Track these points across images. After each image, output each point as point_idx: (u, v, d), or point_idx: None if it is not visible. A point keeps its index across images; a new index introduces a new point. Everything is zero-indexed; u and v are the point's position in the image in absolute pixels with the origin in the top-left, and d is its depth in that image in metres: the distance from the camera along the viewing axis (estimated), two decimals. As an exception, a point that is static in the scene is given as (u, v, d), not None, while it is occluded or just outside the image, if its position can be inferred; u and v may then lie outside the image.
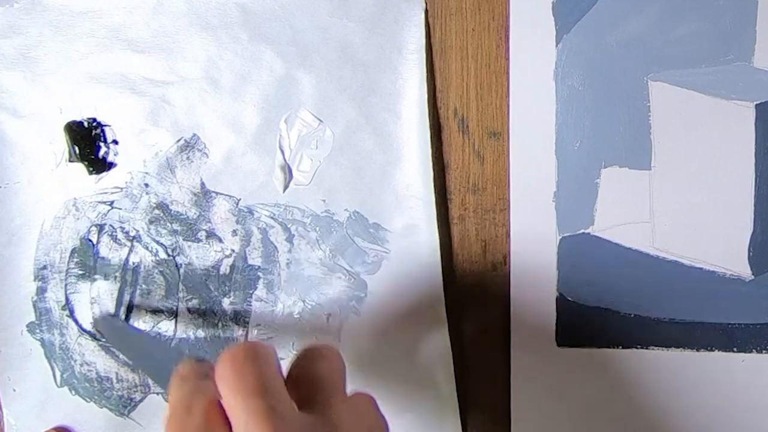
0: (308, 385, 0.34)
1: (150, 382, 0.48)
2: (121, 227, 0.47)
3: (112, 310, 0.47)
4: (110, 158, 0.47)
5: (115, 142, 0.47)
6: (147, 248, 0.47)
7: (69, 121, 0.47)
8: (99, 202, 0.47)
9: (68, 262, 0.48)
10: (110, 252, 0.47)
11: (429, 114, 0.44)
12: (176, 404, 0.32)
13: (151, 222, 0.47)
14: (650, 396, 0.44)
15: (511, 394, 0.45)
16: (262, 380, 0.31)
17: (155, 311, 0.47)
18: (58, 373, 0.49)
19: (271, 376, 0.32)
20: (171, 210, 0.47)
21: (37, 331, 0.49)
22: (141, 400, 0.49)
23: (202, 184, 0.46)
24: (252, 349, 0.32)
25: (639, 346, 0.44)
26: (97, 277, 0.48)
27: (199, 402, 0.32)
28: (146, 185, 0.47)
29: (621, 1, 0.41)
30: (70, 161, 0.47)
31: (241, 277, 0.47)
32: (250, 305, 0.47)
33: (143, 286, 0.47)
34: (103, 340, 0.48)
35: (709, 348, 0.43)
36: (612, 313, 0.44)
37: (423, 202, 0.44)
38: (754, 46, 0.41)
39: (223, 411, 0.31)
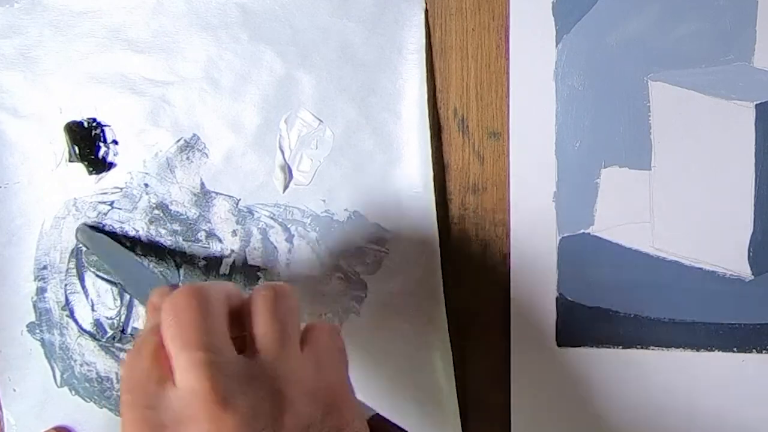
0: (257, 325, 0.33)
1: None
2: (121, 227, 0.47)
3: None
4: (110, 158, 0.47)
5: (115, 142, 0.47)
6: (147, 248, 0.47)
7: (69, 121, 0.47)
8: (99, 202, 0.47)
9: (68, 262, 0.48)
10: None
11: (429, 114, 0.44)
12: (137, 340, 0.33)
13: (151, 222, 0.47)
14: (650, 396, 0.44)
15: (511, 394, 0.45)
16: (202, 330, 0.31)
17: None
18: (58, 373, 0.49)
19: (212, 324, 0.32)
20: (171, 210, 0.47)
21: (37, 331, 0.49)
22: (141, 400, 0.49)
23: (202, 184, 0.46)
24: (193, 295, 0.32)
25: (639, 346, 0.44)
26: (97, 276, 0.48)
27: (150, 344, 0.32)
28: (146, 185, 0.47)
29: (621, 1, 0.41)
30: (70, 161, 0.47)
31: (241, 277, 0.47)
32: (250, 305, 0.47)
33: (143, 286, 0.47)
34: (88, 249, 0.47)
35: (709, 348, 0.43)
36: (612, 313, 0.44)
37: (423, 202, 0.44)
38: (754, 46, 0.41)
39: None
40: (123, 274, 0.45)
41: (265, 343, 0.33)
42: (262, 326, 0.33)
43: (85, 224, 0.47)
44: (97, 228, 0.47)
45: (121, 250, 0.46)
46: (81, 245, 0.47)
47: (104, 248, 0.46)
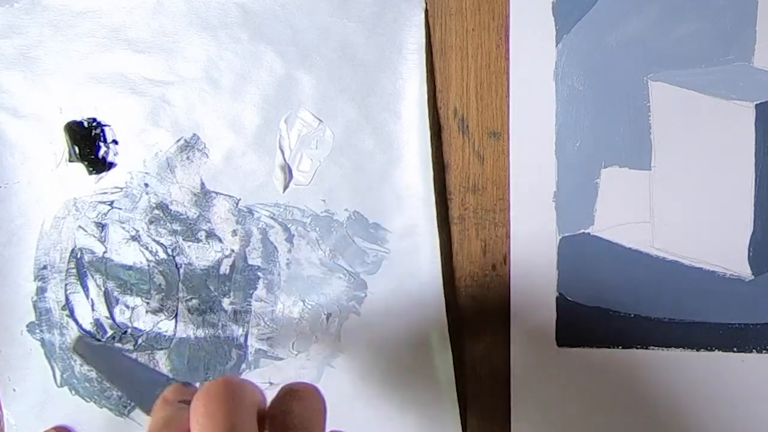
0: (283, 425, 0.34)
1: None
2: (121, 227, 0.47)
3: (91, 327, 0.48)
4: (110, 158, 0.47)
5: (115, 142, 0.47)
6: (147, 248, 0.47)
7: (69, 121, 0.47)
8: (99, 202, 0.47)
9: (68, 262, 0.48)
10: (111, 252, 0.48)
11: (429, 114, 0.44)
12: (153, 428, 0.34)
13: (151, 222, 0.47)
14: (650, 396, 0.44)
15: (511, 394, 0.45)
16: (230, 423, 0.32)
17: (155, 311, 0.47)
18: (58, 373, 0.49)
19: (241, 419, 0.32)
20: (171, 210, 0.47)
21: (37, 331, 0.49)
22: (141, 400, 0.49)
23: (202, 184, 0.46)
24: (226, 388, 0.33)
25: (639, 346, 0.44)
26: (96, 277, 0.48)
27: (171, 430, 0.33)
28: (146, 185, 0.47)
29: (621, 1, 0.41)
30: (70, 161, 0.47)
31: (241, 277, 0.47)
32: (250, 305, 0.47)
33: (143, 286, 0.47)
34: (82, 360, 0.48)
35: (709, 348, 0.43)
36: (612, 313, 0.44)
37: (423, 202, 0.44)
38: (754, 46, 0.41)
39: None
40: (120, 381, 0.46)
41: None
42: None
43: (81, 337, 0.47)
44: (93, 337, 0.48)
45: (121, 356, 0.47)
46: (78, 357, 0.48)
47: (102, 357, 0.47)
